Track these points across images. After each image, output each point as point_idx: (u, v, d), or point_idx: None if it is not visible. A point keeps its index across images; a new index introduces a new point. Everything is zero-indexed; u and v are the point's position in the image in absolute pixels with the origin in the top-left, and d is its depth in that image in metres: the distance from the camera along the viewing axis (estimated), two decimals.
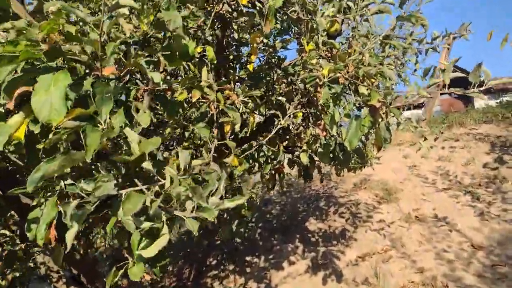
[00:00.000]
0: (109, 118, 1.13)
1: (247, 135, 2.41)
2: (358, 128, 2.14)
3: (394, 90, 2.08)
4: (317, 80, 2.00)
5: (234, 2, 1.98)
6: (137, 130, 1.14)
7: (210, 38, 2.50)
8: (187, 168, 1.20)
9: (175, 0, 1.39)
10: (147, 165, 1.13)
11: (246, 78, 2.71)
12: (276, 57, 2.71)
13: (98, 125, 1.12)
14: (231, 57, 2.70)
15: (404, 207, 6.48)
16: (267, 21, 1.83)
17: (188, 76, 1.79)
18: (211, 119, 1.77)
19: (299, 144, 4.09)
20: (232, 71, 2.81)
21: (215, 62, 1.80)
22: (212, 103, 1.76)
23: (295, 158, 3.80)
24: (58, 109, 1.04)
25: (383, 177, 7.60)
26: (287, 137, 4.09)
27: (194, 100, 1.73)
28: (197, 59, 2.17)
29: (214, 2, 1.93)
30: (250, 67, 2.78)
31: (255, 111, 2.43)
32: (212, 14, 1.83)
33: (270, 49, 2.67)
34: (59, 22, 1.07)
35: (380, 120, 2.17)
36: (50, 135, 1.05)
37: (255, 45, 2.49)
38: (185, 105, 1.92)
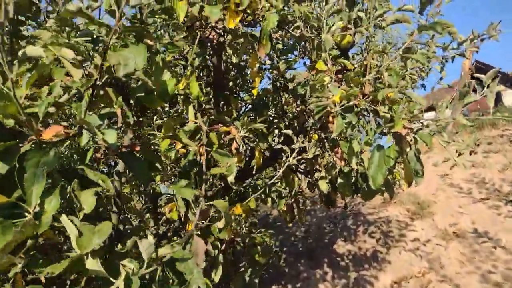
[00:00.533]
0: (41, 201, 0.84)
1: (253, 171, 2.10)
2: (382, 160, 1.80)
3: (422, 113, 1.74)
4: (328, 108, 1.68)
5: (222, 26, 1.69)
6: (81, 215, 0.85)
7: (204, 66, 2.22)
8: (153, 258, 0.89)
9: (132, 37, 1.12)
10: (92, 265, 0.84)
11: (250, 105, 2.41)
12: (281, 79, 2.39)
13: (26, 213, 0.83)
14: (230, 83, 2.41)
15: (439, 222, 5.98)
16: (261, 45, 1.53)
17: (170, 118, 1.50)
18: (199, 170, 1.47)
19: (317, 167, 3.74)
20: (234, 98, 2.51)
21: (202, 99, 1.51)
22: (200, 148, 1.46)
23: (314, 181, 3.46)
24: None
25: (413, 189, 7.10)
26: (303, 160, 3.75)
27: (178, 147, 1.44)
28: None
29: (199, 29, 1.64)
30: (254, 91, 2.48)
31: (260, 144, 2.12)
32: (196, 41, 1.54)
33: (275, 71, 2.37)
34: None
35: (407, 149, 1.81)
36: None
37: (254, 69, 2.19)
38: (165, 157, 1.65)
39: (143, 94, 1.37)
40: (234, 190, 2.64)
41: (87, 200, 0.86)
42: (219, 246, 1.82)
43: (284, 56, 2.34)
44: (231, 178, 1.34)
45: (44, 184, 0.85)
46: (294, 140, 1.87)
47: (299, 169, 3.76)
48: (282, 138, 2.28)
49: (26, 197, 0.83)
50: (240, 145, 1.92)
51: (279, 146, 1.91)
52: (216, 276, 1.86)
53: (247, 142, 2.06)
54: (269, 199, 2.52)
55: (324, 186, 3.05)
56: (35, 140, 0.95)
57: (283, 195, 2.59)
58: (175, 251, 0.94)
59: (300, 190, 4.37)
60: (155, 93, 1.43)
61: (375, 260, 5.48)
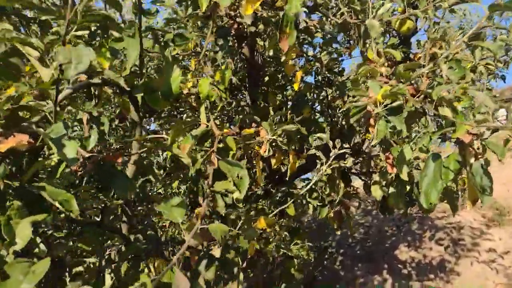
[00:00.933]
0: None
1: (287, 177, 1.86)
2: (438, 173, 1.46)
3: (494, 117, 1.36)
4: (368, 109, 1.38)
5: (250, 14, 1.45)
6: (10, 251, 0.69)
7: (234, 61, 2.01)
8: None
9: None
10: None
11: (289, 102, 2.16)
12: (325, 72, 2.10)
13: None
14: (266, 78, 2.17)
15: None
16: (283, 34, 1.27)
17: (180, 120, 1.31)
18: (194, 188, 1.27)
19: (374, 169, 3.39)
20: (272, 94, 2.28)
21: (212, 98, 1.30)
22: (212, 156, 1.25)
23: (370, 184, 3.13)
24: None
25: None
26: (360, 159, 3.42)
27: (184, 152, 1.25)
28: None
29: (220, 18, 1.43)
30: (295, 86, 2.22)
31: (293, 146, 1.87)
32: (209, 32, 1.33)
33: (317, 64, 2.08)
34: None
35: (472, 160, 1.46)
36: None
37: (290, 61, 1.93)
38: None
39: (142, 94, 1.20)
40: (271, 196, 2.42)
41: (22, 233, 0.70)
42: (240, 263, 1.62)
43: (329, 47, 2.05)
44: (238, 195, 1.12)
45: None
46: (330, 146, 1.59)
47: (352, 170, 3.43)
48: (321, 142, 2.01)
49: None
50: (267, 150, 1.69)
51: (313, 151, 1.64)
52: None
53: (279, 145, 1.82)
54: (310, 206, 2.26)
55: (377, 192, 2.71)
56: None
57: (326, 202, 2.31)
58: None
59: (355, 192, 4.03)
60: (159, 92, 1.25)
61: (442, 270, 4.95)
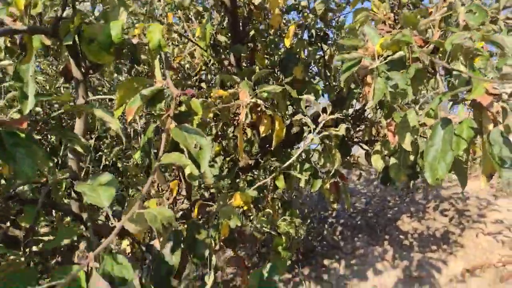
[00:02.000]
0: None
1: (271, 148, 1.62)
2: (448, 143, 1.21)
3: None
4: (363, 63, 1.11)
5: None
6: None
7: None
8: None
9: None
10: None
11: (279, 60, 1.88)
12: (321, 27, 1.81)
13: None
14: (252, 32, 1.88)
15: None
16: None
17: (133, 77, 1.05)
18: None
19: (376, 137, 3.14)
20: (261, 52, 1.99)
21: (165, 49, 1.03)
22: (167, 121, 1.00)
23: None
24: None
25: None
26: (362, 126, 3.16)
27: (128, 119, 1.00)
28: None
29: None
30: (286, 42, 1.93)
31: (280, 111, 1.61)
32: None
33: (311, 15, 1.79)
34: None
35: (490, 126, 1.20)
36: None
37: (276, 11, 1.64)
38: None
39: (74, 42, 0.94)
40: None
41: None
42: (213, 245, 1.41)
43: None
44: (193, 170, 0.88)
45: None
46: (319, 111, 1.33)
47: (353, 139, 3.18)
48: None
49: None
50: (244, 116, 1.44)
51: (299, 116, 1.39)
52: (209, 281, 1.47)
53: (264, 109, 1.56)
54: (302, 178, 2.02)
55: (378, 163, 2.48)
56: None
57: (320, 174, 2.07)
58: None
59: (355, 161, 3.78)
60: (97, 42, 0.99)
61: (445, 242, 4.78)
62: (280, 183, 2.06)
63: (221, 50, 2.11)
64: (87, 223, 1.18)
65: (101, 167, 2.10)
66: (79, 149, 1.07)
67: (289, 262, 5.38)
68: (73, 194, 1.28)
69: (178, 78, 2.47)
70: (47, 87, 1.61)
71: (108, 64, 1.10)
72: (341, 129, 1.43)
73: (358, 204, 6.11)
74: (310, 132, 1.39)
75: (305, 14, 1.85)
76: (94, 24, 1.00)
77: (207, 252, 1.39)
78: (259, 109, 1.64)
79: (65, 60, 1.27)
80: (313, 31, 1.84)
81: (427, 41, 1.28)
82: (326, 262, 5.08)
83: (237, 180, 2.15)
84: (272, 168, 2.61)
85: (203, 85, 2.53)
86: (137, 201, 0.81)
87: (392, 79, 1.07)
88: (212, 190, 2.04)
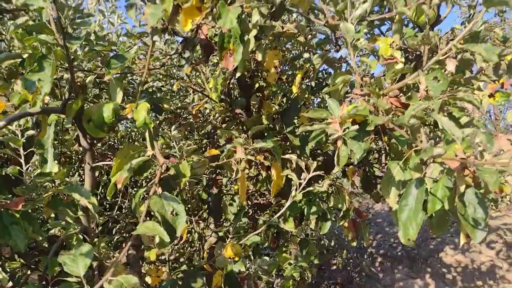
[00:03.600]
0: None
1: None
2: (420, 204, 1.26)
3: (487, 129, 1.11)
4: (329, 132, 1.19)
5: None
6: None
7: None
8: None
9: None
10: None
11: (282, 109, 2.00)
12: (319, 77, 1.91)
13: None
14: (257, 84, 2.02)
15: None
16: (225, 51, 1.12)
17: (126, 148, 1.22)
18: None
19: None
20: (267, 101, 2.12)
21: (151, 125, 1.19)
22: (156, 187, 1.15)
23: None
24: None
25: None
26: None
27: (118, 187, 1.16)
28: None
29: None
30: (293, 89, 2.04)
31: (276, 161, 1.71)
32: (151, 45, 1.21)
33: (311, 67, 1.90)
34: None
35: (462, 187, 1.23)
36: None
37: (272, 70, 1.77)
38: None
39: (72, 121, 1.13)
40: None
41: None
42: None
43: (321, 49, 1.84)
44: (165, 237, 1.01)
45: None
46: (302, 166, 1.42)
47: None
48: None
49: None
50: (242, 169, 1.56)
51: (287, 172, 1.48)
52: None
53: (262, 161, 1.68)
54: (312, 221, 2.09)
55: (393, 204, 2.50)
56: None
57: (328, 217, 2.12)
58: None
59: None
60: (93, 122, 1.17)
61: (491, 277, 4.50)
62: (290, 225, 2.14)
63: (232, 100, 2.27)
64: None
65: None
66: (90, 207, 1.25)
67: None
68: None
69: (200, 122, 2.66)
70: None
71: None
72: (324, 185, 1.50)
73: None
74: (296, 189, 1.47)
75: (307, 64, 1.96)
76: (91, 107, 1.19)
77: None
78: (258, 160, 1.76)
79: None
80: (313, 83, 1.94)
81: (403, 103, 1.34)
82: None
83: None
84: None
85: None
86: (112, 267, 0.96)
87: (357, 145, 1.14)
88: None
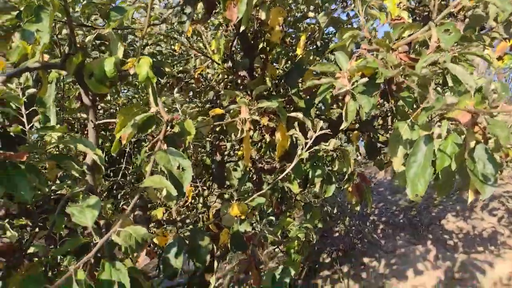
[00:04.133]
0: None
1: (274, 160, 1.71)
2: (429, 159, 1.24)
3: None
4: (336, 87, 1.16)
5: None
6: None
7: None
8: None
9: None
10: None
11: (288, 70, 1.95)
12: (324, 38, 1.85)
13: None
14: (261, 45, 1.96)
15: None
16: (229, 1, 1.08)
17: (128, 106, 1.20)
18: None
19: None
20: (271, 63, 2.07)
21: (154, 79, 1.16)
22: (159, 143, 1.13)
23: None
24: None
25: None
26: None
27: (123, 143, 1.14)
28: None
29: None
30: (298, 51, 2.00)
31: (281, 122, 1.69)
32: None
33: (316, 27, 1.84)
34: None
35: (472, 143, 1.21)
36: None
37: (276, 28, 1.71)
38: None
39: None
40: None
41: None
42: (213, 249, 1.53)
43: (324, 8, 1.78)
44: (172, 191, 1.00)
45: None
46: (308, 124, 1.40)
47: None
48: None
49: None
50: (245, 129, 1.54)
51: (292, 131, 1.46)
52: (212, 282, 1.60)
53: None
54: (317, 183, 2.09)
55: (399, 166, 2.49)
56: None
57: (333, 180, 2.12)
58: None
59: (386, 162, 3.75)
60: (94, 76, 1.14)
61: (492, 243, 4.56)
62: (295, 187, 2.14)
63: (235, 63, 2.22)
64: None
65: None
66: (96, 158, 1.23)
67: (328, 260, 5.42)
68: None
69: (202, 87, 2.62)
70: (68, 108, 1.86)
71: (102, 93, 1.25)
72: (331, 144, 1.48)
73: (401, 202, 5.97)
74: (302, 148, 1.45)
75: (311, 25, 1.90)
76: (93, 61, 1.15)
77: (208, 257, 1.51)
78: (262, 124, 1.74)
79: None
80: (318, 42, 1.89)
81: (412, 58, 1.30)
82: (365, 260, 5.05)
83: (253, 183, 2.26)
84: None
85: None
86: (120, 219, 0.96)
87: (365, 100, 1.12)
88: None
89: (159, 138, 1.18)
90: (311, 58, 1.95)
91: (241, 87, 2.07)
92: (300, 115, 1.39)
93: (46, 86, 1.23)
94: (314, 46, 1.97)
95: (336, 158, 2.24)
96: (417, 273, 4.52)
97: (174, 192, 1.03)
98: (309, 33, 1.91)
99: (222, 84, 2.17)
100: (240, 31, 1.84)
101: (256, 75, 2.12)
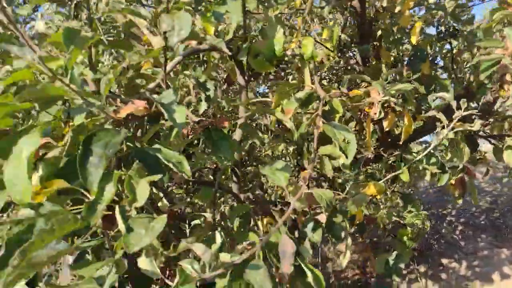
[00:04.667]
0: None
1: (400, 141, 1.73)
2: None
3: None
4: (503, 63, 1.15)
5: None
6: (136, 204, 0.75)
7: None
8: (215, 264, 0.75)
9: None
10: (145, 265, 0.75)
11: (406, 58, 1.96)
12: (449, 22, 1.84)
13: (85, 199, 0.79)
14: (379, 32, 1.98)
15: None
16: None
17: (285, 82, 1.28)
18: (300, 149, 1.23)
19: (508, 132, 2.99)
20: (386, 50, 2.09)
21: (316, 58, 1.23)
22: (316, 120, 1.20)
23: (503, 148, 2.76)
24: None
25: None
26: (491, 120, 3.04)
27: (287, 116, 1.22)
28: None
29: None
30: (412, 39, 1.99)
31: (409, 107, 1.70)
32: None
33: (440, 12, 1.83)
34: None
35: None
36: None
37: (406, 12, 1.73)
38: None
39: (245, 57, 1.20)
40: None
41: (143, 191, 0.76)
42: (347, 227, 1.58)
43: None
44: (344, 160, 1.07)
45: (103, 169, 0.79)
46: (453, 106, 1.40)
47: (479, 133, 3.06)
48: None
49: (87, 183, 0.78)
50: (378, 112, 1.57)
51: (433, 112, 1.47)
52: (345, 259, 1.65)
53: (393, 106, 1.68)
54: (428, 172, 2.07)
55: (511, 158, 2.41)
56: (111, 118, 0.90)
57: (446, 169, 2.09)
58: (244, 258, 0.77)
59: (481, 157, 3.62)
60: (262, 55, 1.23)
61: None
62: (405, 176, 2.13)
63: (346, 50, 2.26)
64: (245, 201, 1.45)
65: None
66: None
67: None
68: (234, 178, 1.57)
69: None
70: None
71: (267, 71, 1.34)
72: (476, 125, 1.47)
73: (482, 203, 5.70)
74: (443, 127, 1.46)
75: (434, 11, 1.89)
76: (258, 42, 1.24)
77: (343, 234, 1.57)
78: (386, 105, 1.76)
79: (226, 70, 1.56)
80: (442, 27, 1.87)
81: None
82: (444, 261, 4.87)
83: (363, 170, 2.28)
84: (390, 162, 2.67)
85: (324, 82, 2.70)
86: (303, 183, 1.03)
87: None
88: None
89: (318, 113, 1.24)
90: (431, 43, 1.94)
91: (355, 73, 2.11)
92: (447, 95, 1.40)
93: (210, 67, 1.34)
94: (438, 30, 1.95)
95: (447, 147, 2.20)
96: (504, 276, 4.30)
97: (347, 162, 1.09)
98: (429, 18, 1.90)
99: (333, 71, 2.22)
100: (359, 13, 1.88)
101: (368, 63, 2.15)
